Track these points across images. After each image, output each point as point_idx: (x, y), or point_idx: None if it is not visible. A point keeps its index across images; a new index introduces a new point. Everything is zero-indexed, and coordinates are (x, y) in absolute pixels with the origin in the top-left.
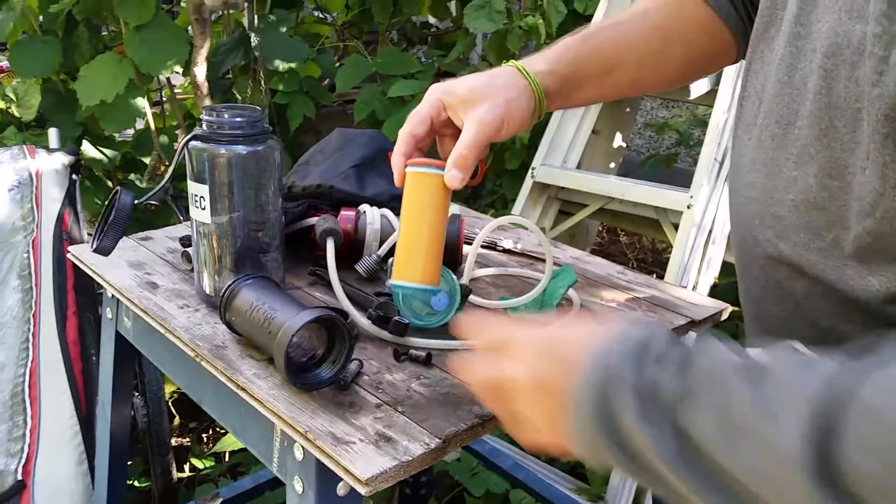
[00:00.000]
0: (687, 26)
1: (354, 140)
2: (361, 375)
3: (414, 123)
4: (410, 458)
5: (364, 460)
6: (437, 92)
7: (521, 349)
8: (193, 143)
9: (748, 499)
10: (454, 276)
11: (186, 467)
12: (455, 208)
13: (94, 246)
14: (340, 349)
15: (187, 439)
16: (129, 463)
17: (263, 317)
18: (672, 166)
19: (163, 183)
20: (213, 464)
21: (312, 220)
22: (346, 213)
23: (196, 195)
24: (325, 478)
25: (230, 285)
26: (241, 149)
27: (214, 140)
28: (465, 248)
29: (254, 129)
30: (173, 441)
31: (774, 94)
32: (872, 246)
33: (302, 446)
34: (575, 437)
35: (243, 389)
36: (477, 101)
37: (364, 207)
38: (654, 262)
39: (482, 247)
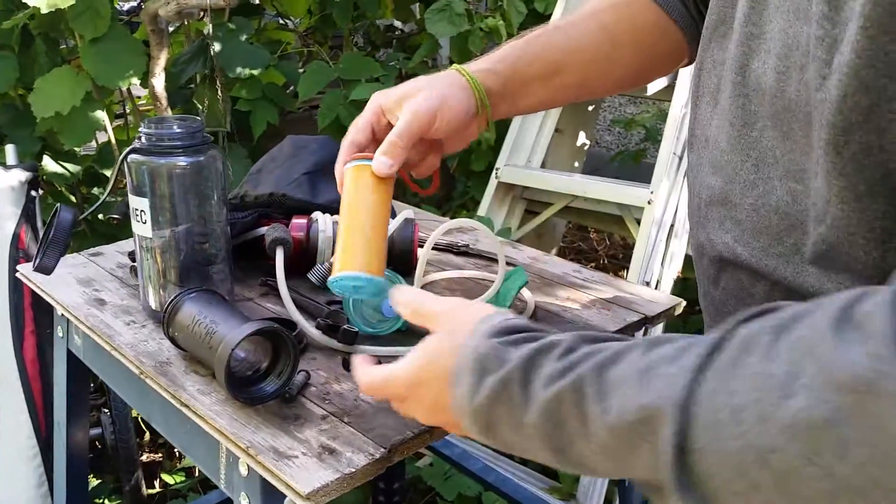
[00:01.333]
0: (637, 27)
1: (306, 147)
2: (308, 387)
3: (354, 132)
4: (354, 470)
5: (306, 474)
6: (376, 98)
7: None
8: (133, 156)
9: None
10: (404, 281)
11: (157, 483)
12: (409, 213)
13: (35, 265)
14: (285, 361)
15: (159, 455)
16: (99, 481)
17: (205, 331)
18: (640, 161)
19: (101, 199)
20: (183, 479)
21: (263, 230)
22: (298, 221)
23: (137, 209)
24: (270, 494)
25: (172, 300)
26: (181, 160)
27: (153, 153)
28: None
29: (193, 140)
30: (144, 457)
31: (729, 96)
32: (828, 253)
33: (246, 462)
34: (458, 418)
35: (186, 406)
36: (411, 94)
37: (316, 215)
38: (624, 257)
39: (439, 249)
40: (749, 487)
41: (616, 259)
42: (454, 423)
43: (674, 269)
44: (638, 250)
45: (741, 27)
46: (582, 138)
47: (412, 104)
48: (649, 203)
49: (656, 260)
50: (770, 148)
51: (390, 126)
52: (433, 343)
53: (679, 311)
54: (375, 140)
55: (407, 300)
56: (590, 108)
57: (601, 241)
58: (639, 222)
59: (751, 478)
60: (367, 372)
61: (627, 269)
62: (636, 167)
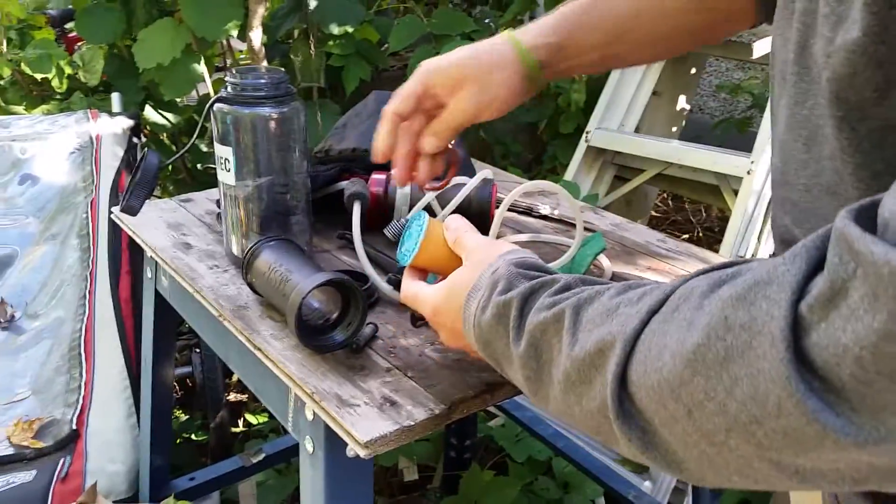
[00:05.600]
0: None
1: None
2: (376, 339)
3: (399, 101)
4: (413, 423)
5: (366, 423)
6: (425, 68)
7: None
8: (218, 105)
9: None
10: None
11: (241, 422)
12: (488, 172)
13: (122, 206)
14: (355, 313)
15: (244, 395)
16: (187, 417)
17: (280, 278)
18: (746, 131)
19: (187, 146)
20: (266, 419)
21: (343, 184)
22: (377, 177)
23: (222, 157)
24: (334, 439)
25: (252, 247)
26: (265, 110)
27: (238, 102)
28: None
29: (278, 91)
30: (231, 397)
31: (791, 73)
32: None
33: (312, 408)
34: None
35: (259, 349)
36: (461, 82)
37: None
38: (720, 230)
39: (518, 212)
40: (669, 418)
41: (712, 232)
42: (470, 346)
43: (771, 244)
44: (733, 223)
45: (802, 3)
46: (682, 102)
47: (459, 98)
48: (748, 174)
49: (752, 234)
50: (819, 126)
51: (435, 100)
52: (458, 274)
53: None
54: (422, 111)
55: (455, 227)
56: (692, 70)
57: (697, 213)
58: (737, 194)
59: (669, 410)
60: (408, 284)
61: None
62: (741, 137)
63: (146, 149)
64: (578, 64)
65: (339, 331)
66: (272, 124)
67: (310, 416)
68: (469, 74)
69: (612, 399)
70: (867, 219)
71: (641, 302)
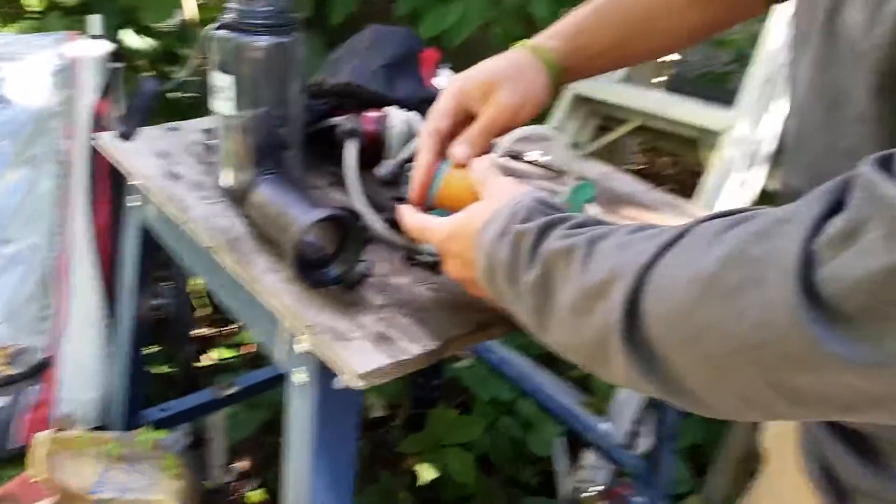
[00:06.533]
0: None
1: (386, 38)
2: (370, 277)
3: (437, 119)
4: (408, 358)
5: (362, 356)
6: (456, 84)
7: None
8: (219, 32)
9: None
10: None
11: (209, 356)
12: None
13: (117, 131)
14: (350, 249)
15: (216, 329)
16: (154, 348)
17: (277, 212)
18: (728, 84)
19: (184, 73)
20: (235, 354)
21: (336, 120)
22: (371, 115)
23: (221, 86)
24: (324, 372)
25: (250, 180)
26: (269, 39)
27: (241, 29)
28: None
29: (281, 20)
30: (204, 331)
31: (816, 36)
32: None
33: (304, 340)
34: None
35: (253, 282)
36: (496, 86)
37: (389, 110)
38: (692, 185)
39: (507, 157)
40: (678, 343)
41: (684, 186)
42: (475, 280)
43: (746, 201)
44: (711, 175)
45: None
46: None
47: (497, 99)
48: (729, 128)
49: (728, 189)
50: (843, 90)
51: (468, 113)
52: (478, 205)
53: None
54: (458, 125)
55: (483, 167)
56: None
57: (674, 165)
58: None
59: (679, 334)
60: (412, 215)
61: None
62: (722, 89)
63: (143, 74)
64: (596, 65)
65: (334, 266)
66: (274, 53)
67: (301, 349)
68: (499, 79)
69: (620, 324)
70: (890, 167)
71: (656, 238)
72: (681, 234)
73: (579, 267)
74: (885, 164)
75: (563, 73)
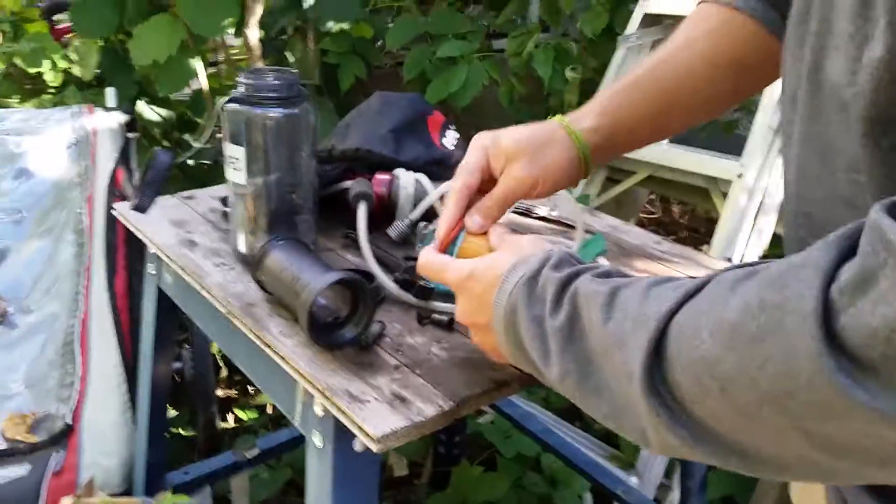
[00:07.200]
0: (737, 50)
1: (394, 103)
2: (384, 337)
3: (466, 175)
4: (423, 419)
5: (377, 419)
6: (482, 141)
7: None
8: (230, 105)
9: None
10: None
11: (231, 418)
12: None
13: (134, 203)
14: (363, 311)
15: (234, 391)
16: (175, 413)
17: (291, 277)
18: (732, 133)
19: (197, 146)
20: (256, 415)
21: (347, 183)
22: (381, 177)
23: (232, 157)
24: (342, 434)
25: (262, 246)
26: (277, 111)
27: (251, 103)
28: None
29: (290, 92)
30: (220, 392)
31: (804, 91)
32: None
33: (322, 403)
34: (503, 353)
35: (269, 346)
36: (516, 156)
37: (399, 172)
38: (706, 232)
39: (516, 213)
40: (702, 394)
41: (697, 233)
42: (486, 325)
43: (760, 245)
44: (723, 225)
45: (817, 23)
46: None
47: (514, 170)
48: (739, 176)
49: (742, 236)
50: (833, 140)
51: (489, 173)
52: (499, 254)
53: None
54: (486, 182)
55: (501, 230)
56: None
57: (683, 214)
58: (726, 196)
59: (703, 386)
60: (430, 255)
61: (708, 244)
62: (726, 139)
63: (156, 148)
64: (628, 140)
65: (348, 328)
66: (284, 125)
67: (319, 412)
68: (522, 149)
69: (642, 374)
70: None
71: (678, 289)
72: (701, 285)
73: (602, 315)
74: (893, 210)
75: (597, 149)
